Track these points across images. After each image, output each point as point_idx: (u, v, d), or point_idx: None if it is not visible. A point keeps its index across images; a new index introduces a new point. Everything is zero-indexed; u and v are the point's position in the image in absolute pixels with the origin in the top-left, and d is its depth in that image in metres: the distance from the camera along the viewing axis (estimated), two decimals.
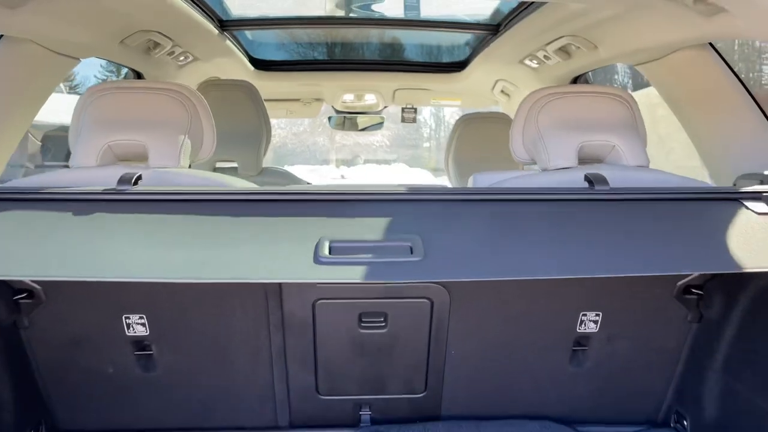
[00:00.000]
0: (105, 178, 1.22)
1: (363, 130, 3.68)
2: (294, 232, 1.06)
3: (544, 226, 1.11)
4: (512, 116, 3.10)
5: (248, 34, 2.74)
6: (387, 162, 27.43)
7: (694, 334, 1.44)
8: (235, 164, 2.28)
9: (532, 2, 1.86)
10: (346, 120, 3.60)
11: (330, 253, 1.00)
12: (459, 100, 3.33)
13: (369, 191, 1.17)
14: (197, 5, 1.97)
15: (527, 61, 2.44)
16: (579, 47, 1.97)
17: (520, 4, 2.00)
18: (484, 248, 1.06)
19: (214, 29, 2.19)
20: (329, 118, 3.61)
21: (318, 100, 3.38)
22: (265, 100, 3.26)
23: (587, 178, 1.23)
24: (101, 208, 1.11)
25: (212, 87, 2.20)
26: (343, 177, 23.21)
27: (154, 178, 1.26)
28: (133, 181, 1.17)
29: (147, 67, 2.27)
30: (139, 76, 2.38)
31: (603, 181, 1.21)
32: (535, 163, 1.47)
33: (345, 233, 1.06)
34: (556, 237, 1.09)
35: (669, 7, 1.40)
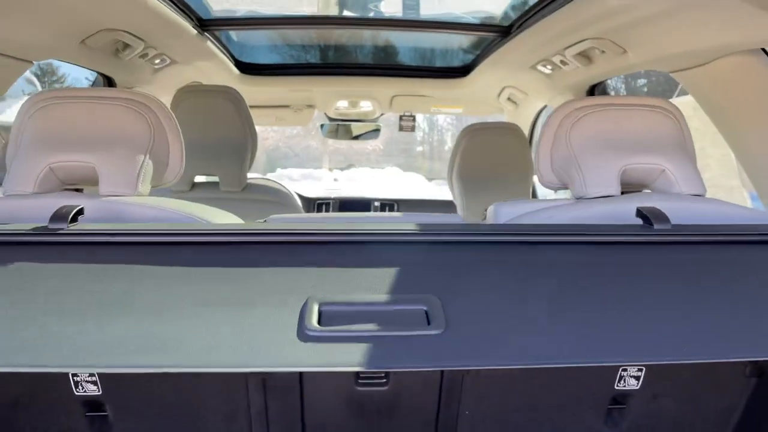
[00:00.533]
0: (41, 210, 0.97)
1: (357, 138, 3.44)
2: (275, 292, 0.81)
3: (594, 280, 0.87)
4: (522, 126, 2.89)
5: (233, 35, 2.49)
6: (380, 166, 27.28)
7: (752, 391, 1.21)
8: (216, 178, 2.03)
9: (553, 1, 1.63)
10: (340, 128, 3.36)
11: (320, 322, 0.76)
12: (461, 107, 3.10)
13: (370, 231, 0.93)
14: (172, 2, 1.73)
15: (540, 67, 2.21)
16: (604, 51, 1.75)
17: (537, 4, 1.77)
18: (519, 315, 0.81)
19: (192, 29, 1.94)
20: (321, 126, 3.37)
21: (309, 106, 3.13)
22: (252, 106, 3.02)
23: (641, 213, 0.99)
24: (23, 255, 0.85)
25: (191, 93, 1.96)
26: (336, 180, 23.08)
27: (100, 211, 1.01)
28: (70, 216, 0.92)
29: (117, 71, 2.03)
30: (110, 81, 2.13)
31: (662, 217, 0.96)
32: (565, 188, 1.24)
33: (340, 290, 0.82)
34: (610, 298, 0.84)
35: (727, 4, 1.17)
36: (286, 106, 3.11)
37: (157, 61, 2.07)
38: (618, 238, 0.92)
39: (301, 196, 3.44)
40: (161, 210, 1.04)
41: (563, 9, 1.60)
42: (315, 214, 2.34)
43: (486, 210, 1.26)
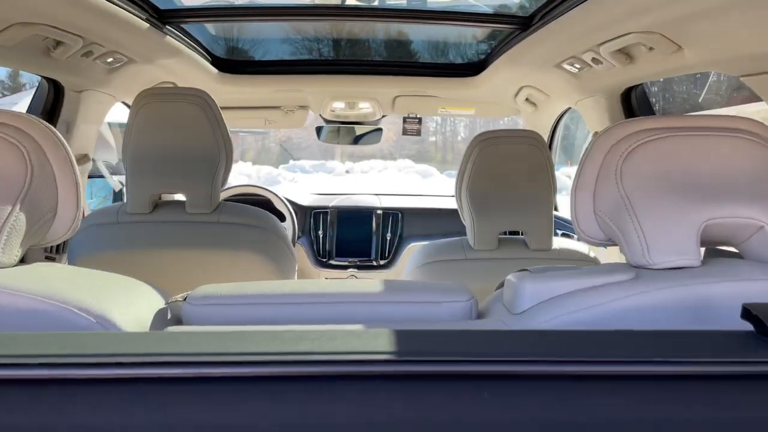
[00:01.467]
0: None
1: (359, 140, 3.10)
2: None
3: None
4: (541, 129, 2.52)
5: (209, 27, 2.16)
6: (393, 157, 26.90)
7: None
8: (183, 197, 1.70)
9: None
10: (341, 130, 3.02)
11: None
12: (473, 109, 2.74)
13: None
14: None
15: (566, 65, 1.85)
16: (652, 48, 1.39)
17: None
18: None
19: (144, 22, 1.61)
20: (318, 130, 3.02)
21: (303, 107, 2.79)
22: (237, 108, 2.70)
23: (749, 314, 0.59)
24: None
25: (151, 97, 1.62)
26: (347, 172, 22.74)
27: None
28: None
29: (58, 72, 1.70)
30: (56, 85, 1.81)
31: None
32: (612, 244, 0.90)
33: None
34: None
35: None
36: (276, 108, 2.78)
37: (109, 59, 1.74)
38: (721, 368, 0.56)
39: (295, 204, 3.11)
40: (28, 298, 0.71)
41: None
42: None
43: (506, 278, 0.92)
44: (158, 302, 0.86)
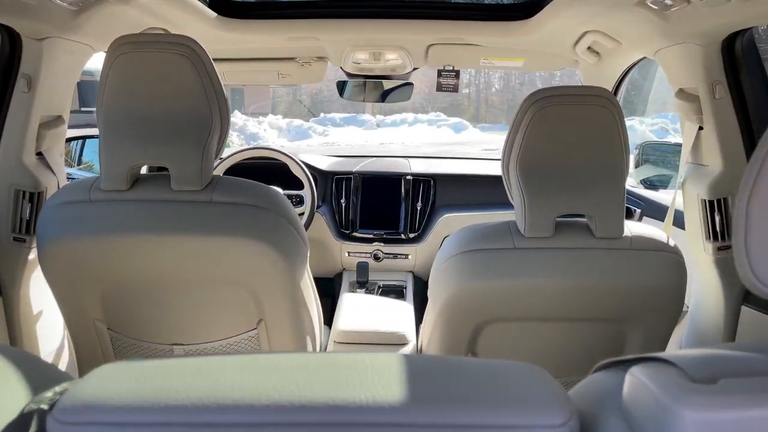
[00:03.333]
0: None
1: (387, 96, 2.70)
2: None
3: None
4: (608, 86, 2.09)
5: None
6: (424, 110, 26.24)
7: None
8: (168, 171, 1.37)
9: None
10: (367, 85, 2.62)
11: None
12: (521, 60, 2.31)
13: None
14: None
15: (651, 2, 1.43)
16: None
17: None
18: None
19: None
20: (340, 86, 2.63)
21: (320, 58, 2.40)
22: (245, 59, 2.34)
23: None
24: None
25: (128, 46, 1.27)
26: (378, 126, 22.26)
27: None
28: None
29: (6, 16, 1.36)
30: (11, 34, 1.47)
31: None
32: None
33: None
34: None
35: None
36: (291, 59, 2.39)
37: None
38: None
39: (314, 169, 2.76)
40: None
41: None
42: None
43: None
44: (20, 400, 0.52)
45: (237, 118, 18.92)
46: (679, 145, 2.82)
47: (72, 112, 1.77)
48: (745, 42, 1.47)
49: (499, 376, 0.54)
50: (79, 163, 3.45)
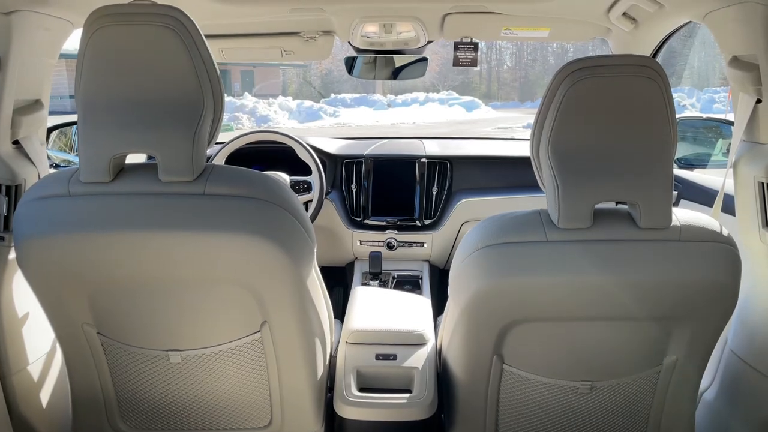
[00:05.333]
0: None
1: (399, 73, 2.52)
2: None
3: None
4: (651, 54, 1.88)
5: None
6: (435, 89, 25.99)
7: None
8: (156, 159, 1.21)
9: None
10: (378, 62, 2.43)
11: None
12: (547, 30, 2.10)
13: None
14: None
15: None
16: None
17: None
18: None
19: None
20: (348, 63, 2.45)
21: (327, 33, 2.22)
22: (244, 35, 2.17)
23: None
24: None
25: (107, 18, 1.11)
26: (389, 106, 22.11)
27: None
28: None
29: None
30: None
31: None
32: None
33: None
34: None
35: None
36: (294, 33, 2.21)
37: None
38: None
39: (323, 153, 2.60)
40: None
41: None
42: None
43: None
44: None
45: (248, 100, 18.83)
46: (717, 120, 2.63)
47: (72, 97, 1.62)
48: None
49: None
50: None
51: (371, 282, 2.37)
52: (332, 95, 23.82)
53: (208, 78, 1.14)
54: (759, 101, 1.42)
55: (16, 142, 1.48)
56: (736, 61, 1.44)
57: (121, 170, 1.17)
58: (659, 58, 2.07)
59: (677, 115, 2.57)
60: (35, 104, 1.52)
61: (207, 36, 1.17)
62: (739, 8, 1.36)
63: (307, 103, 20.38)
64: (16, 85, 1.42)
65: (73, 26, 1.55)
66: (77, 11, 1.48)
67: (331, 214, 2.57)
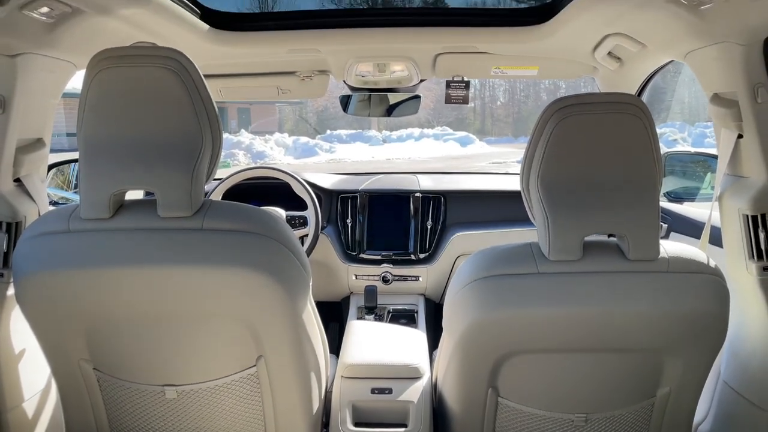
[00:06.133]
0: None
1: (394, 110, 2.57)
2: None
3: None
4: (632, 90, 1.93)
5: None
6: (430, 125, 26.27)
7: None
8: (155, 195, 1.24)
9: None
10: (372, 99, 2.49)
11: None
12: (536, 68, 2.17)
13: None
14: None
15: None
16: None
17: None
18: None
19: None
20: (343, 101, 2.50)
21: (322, 72, 2.28)
22: (242, 74, 2.22)
23: None
24: None
25: (109, 60, 1.15)
26: (384, 141, 22.29)
27: None
28: None
29: None
30: None
31: None
32: None
33: None
34: None
35: None
36: (291, 73, 2.27)
37: (42, 9, 1.27)
38: None
39: (318, 188, 2.63)
40: None
41: None
42: None
43: None
44: None
45: (244, 137, 18.98)
46: (704, 154, 2.68)
47: (70, 135, 1.65)
48: None
49: None
50: (77, 187, 3.34)
51: (367, 316, 2.37)
52: (328, 131, 24.02)
53: (207, 117, 1.18)
54: (740, 136, 1.47)
55: (17, 180, 1.50)
56: (717, 98, 1.49)
57: (121, 206, 1.20)
58: (645, 95, 2.13)
59: (668, 150, 2.63)
60: (37, 143, 1.55)
61: (206, 76, 1.22)
62: (717, 48, 1.42)
63: (303, 139, 20.55)
64: (20, 125, 1.46)
65: (76, 68, 1.59)
66: (80, 53, 1.53)
67: (327, 249, 2.59)
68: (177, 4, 1.57)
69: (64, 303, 1.18)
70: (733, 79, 1.42)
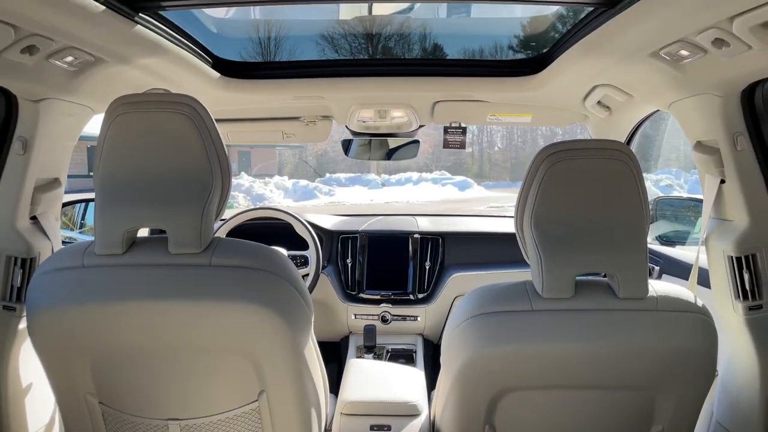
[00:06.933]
0: None
1: (393, 154, 2.66)
2: None
3: None
4: (622, 139, 2.02)
5: (207, 21, 1.77)
6: (429, 169, 26.52)
7: None
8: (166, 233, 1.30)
9: None
10: (373, 144, 2.58)
11: None
12: (529, 116, 2.27)
13: None
14: None
15: (666, 54, 1.39)
16: None
17: None
18: None
19: (101, 7, 1.22)
20: (345, 144, 2.59)
21: (326, 117, 2.38)
22: (249, 119, 2.32)
23: None
24: None
25: (125, 106, 1.23)
26: (383, 185, 22.48)
27: None
28: None
29: (4, 79, 1.33)
30: (6, 95, 1.44)
31: None
32: None
33: None
34: None
35: None
36: (295, 118, 2.37)
37: (67, 58, 1.36)
38: None
39: (319, 228, 2.69)
40: None
41: None
42: None
43: None
44: None
45: (244, 179, 19.16)
46: (694, 199, 2.76)
47: (80, 176, 1.72)
48: (766, 91, 1.42)
49: None
50: (81, 226, 3.40)
51: (365, 355, 2.40)
52: (327, 174, 24.23)
53: (217, 158, 1.25)
54: (723, 181, 1.54)
55: (33, 218, 1.56)
56: (700, 146, 1.57)
57: (133, 243, 1.25)
58: (635, 141, 2.22)
59: (661, 195, 2.71)
60: (54, 182, 1.62)
61: (215, 120, 1.29)
62: (698, 99, 1.51)
63: (303, 182, 20.72)
64: (38, 165, 1.53)
65: (94, 112, 1.67)
66: (98, 99, 1.61)
67: (327, 288, 2.64)
68: (191, 53, 1.67)
69: (75, 336, 1.22)
70: (713, 128, 1.51)
